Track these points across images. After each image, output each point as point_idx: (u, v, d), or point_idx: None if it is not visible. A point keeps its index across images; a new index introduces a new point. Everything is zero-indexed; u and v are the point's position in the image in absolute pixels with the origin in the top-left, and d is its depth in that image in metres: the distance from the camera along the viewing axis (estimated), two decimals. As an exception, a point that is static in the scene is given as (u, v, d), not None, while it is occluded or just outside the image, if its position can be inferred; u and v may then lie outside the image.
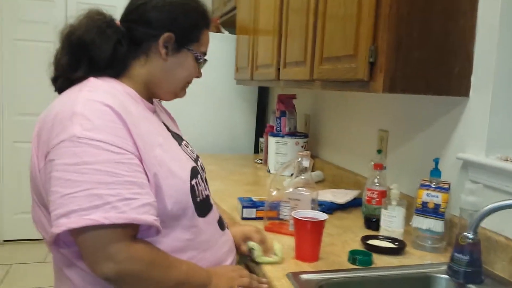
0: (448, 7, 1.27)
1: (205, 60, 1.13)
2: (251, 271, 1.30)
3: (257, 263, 1.20)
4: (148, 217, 0.88)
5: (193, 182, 1.02)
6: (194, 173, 1.05)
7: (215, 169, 2.46)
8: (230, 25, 3.14)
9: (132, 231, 0.90)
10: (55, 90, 1.03)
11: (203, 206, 1.06)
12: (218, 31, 3.18)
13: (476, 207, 1.11)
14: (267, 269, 1.17)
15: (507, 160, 1.22)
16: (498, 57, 1.24)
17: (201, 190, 1.06)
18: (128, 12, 1.06)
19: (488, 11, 1.26)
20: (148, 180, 0.92)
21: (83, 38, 0.99)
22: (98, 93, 0.94)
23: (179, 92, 1.13)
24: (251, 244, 1.21)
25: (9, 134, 3.55)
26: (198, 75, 1.14)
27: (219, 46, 3.05)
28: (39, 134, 0.93)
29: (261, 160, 2.74)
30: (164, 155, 0.98)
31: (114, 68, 1.03)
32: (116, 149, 0.87)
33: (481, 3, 1.28)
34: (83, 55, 0.99)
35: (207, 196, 1.10)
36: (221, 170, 2.44)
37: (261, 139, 2.83)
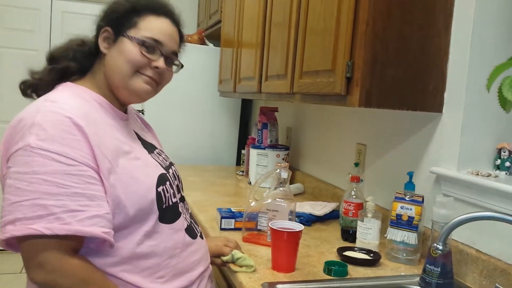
0: (423, 25, 1.31)
1: (156, 47, 1.07)
2: (227, 281, 1.31)
3: (235, 271, 1.23)
4: (94, 229, 0.88)
5: (160, 189, 1.04)
6: (162, 180, 1.06)
7: (197, 180, 2.46)
8: (214, 38, 3.18)
9: (76, 244, 0.91)
10: (22, 94, 1.09)
11: (169, 213, 1.07)
12: (203, 43, 3.21)
13: (447, 219, 1.14)
14: (243, 279, 1.18)
15: (478, 175, 1.25)
16: (469, 74, 1.28)
17: (168, 197, 1.07)
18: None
19: (461, 31, 1.31)
20: (105, 190, 0.93)
21: (52, 52, 1.11)
22: (61, 103, 0.96)
23: (129, 82, 1.05)
24: (235, 254, 1.25)
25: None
26: (155, 64, 1.06)
27: (203, 58, 3.08)
28: (5, 142, 0.95)
29: (242, 171, 2.75)
30: (128, 163, 1.00)
31: (77, 65, 1.09)
32: (67, 160, 0.89)
33: (454, 23, 1.33)
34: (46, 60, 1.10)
35: (175, 203, 1.11)
36: (202, 182, 2.44)
37: (243, 151, 2.85)
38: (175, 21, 1.13)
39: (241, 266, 1.24)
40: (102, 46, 1.07)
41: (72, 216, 0.87)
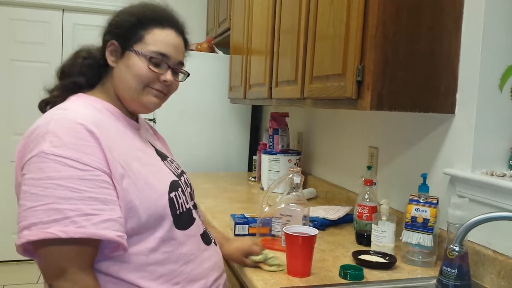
0: (433, 27, 1.31)
1: (162, 60, 1.08)
2: (242, 285, 1.32)
3: (268, 270, 1.27)
4: (109, 232, 0.90)
5: (172, 195, 1.05)
6: (174, 186, 1.07)
7: (209, 187, 2.47)
8: (224, 45, 3.20)
9: (93, 251, 0.93)
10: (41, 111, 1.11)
11: (183, 219, 1.08)
12: (212, 51, 3.24)
13: (462, 220, 1.13)
14: (258, 284, 1.18)
15: (492, 175, 1.25)
16: (482, 75, 1.28)
17: (181, 203, 1.08)
18: None
19: (472, 31, 1.31)
20: (117, 195, 0.94)
21: (62, 67, 1.13)
22: (74, 111, 0.98)
23: (140, 97, 1.08)
24: (267, 253, 1.29)
25: (5, 153, 3.58)
26: (163, 78, 1.09)
27: (213, 66, 3.10)
28: (20, 150, 0.97)
29: (254, 177, 2.76)
30: (142, 168, 1.01)
31: (87, 79, 1.12)
32: (81, 165, 0.90)
33: (465, 23, 1.33)
34: (57, 74, 1.13)
35: (189, 210, 1.12)
36: (215, 188, 2.45)
37: (254, 157, 2.86)
38: (180, 31, 1.14)
39: (270, 266, 1.27)
40: (110, 59, 1.09)
41: (87, 220, 0.88)
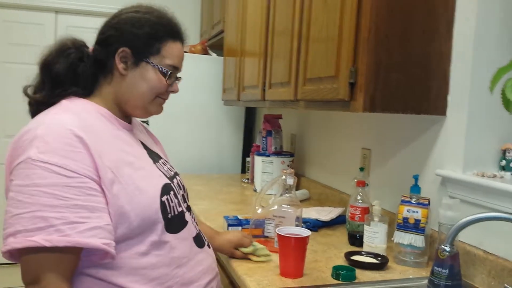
0: (426, 30, 1.33)
1: (174, 74, 1.12)
2: (234, 286, 1.32)
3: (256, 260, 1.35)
4: (94, 240, 0.89)
5: (164, 198, 1.04)
6: (166, 190, 1.07)
7: (203, 189, 2.47)
8: (217, 47, 3.21)
9: (75, 259, 0.91)
10: (30, 115, 1.07)
11: (175, 223, 1.07)
12: (206, 53, 3.24)
13: (453, 221, 1.14)
14: (251, 285, 1.19)
15: (483, 176, 1.26)
16: (473, 77, 1.29)
17: (173, 207, 1.07)
18: (96, 36, 1.12)
19: (463, 33, 1.32)
20: (107, 201, 0.93)
21: (44, 59, 1.07)
22: (63, 116, 0.97)
23: (149, 106, 1.12)
24: (256, 245, 1.36)
25: (-5, 155, 3.55)
26: (171, 89, 1.14)
27: (207, 68, 3.10)
28: (9, 155, 0.96)
29: (247, 179, 2.76)
30: (133, 173, 1.00)
31: (81, 86, 1.08)
32: (68, 172, 0.89)
33: (457, 25, 1.34)
34: (46, 75, 1.07)
35: (181, 213, 1.11)
36: (209, 190, 2.45)
37: (247, 159, 2.86)
38: (184, 42, 1.17)
39: (259, 256, 1.34)
40: (120, 66, 1.07)
41: (72, 228, 0.87)
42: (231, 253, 1.36)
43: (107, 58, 1.09)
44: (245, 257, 1.36)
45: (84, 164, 0.91)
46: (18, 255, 0.90)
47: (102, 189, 0.93)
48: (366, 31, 1.26)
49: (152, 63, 1.08)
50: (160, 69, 1.09)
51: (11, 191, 0.90)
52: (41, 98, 1.06)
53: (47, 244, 0.85)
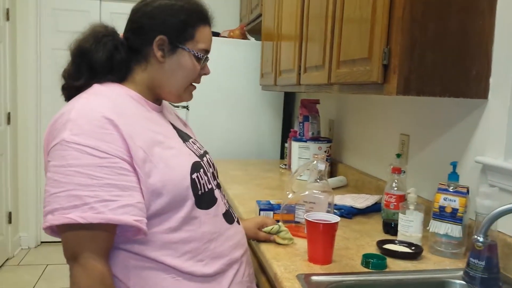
0: (465, 6, 1.24)
1: (207, 58, 1.15)
2: (263, 270, 1.31)
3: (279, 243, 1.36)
4: (126, 217, 0.92)
5: (194, 176, 1.06)
6: (196, 167, 1.08)
7: (240, 174, 2.48)
8: (256, 32, 3.18)
9: (109, 237, 0.96)
10: (65, 99, 1.10)
11: (205, 199, 1.09)
12: (245, 38, 3.22)
13: (491, 211, 1.08)
14: (278, 269, 1.18)
15: (527, 164, 1.18)
16: (517, 57, 1.21)
17: (203, 184, 1.09)
18: (127, 24, 1.14)
19: (508, 10, 1.23)
20: (139, 180, 0.96)
21: (82, 47, 1.08)
22: (95, 99, 1.01)
23: (183, 93, 1.16)
24: (279, 224, 1.39)
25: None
26: (205, 72, 1.17)
27: (245, 52, 3.09)
28: (46, 138, 1.01)
29: (285, 165, 2.74)
30: (163, 152, 1.02)
31: (116, 74, 1.10)
32: (100, 153, 0.93)
33: (500, 2, 1.25)
34: (83, 62, 1.08)
35: (211, 190, 1.13)
36: (245, 175, 2.46)
37: (286, 144, 2.84)
38: (211, 25, 1.18)
39: (283, 239, 1.36)
40: (158, 54, 1.09)
41: (105, 206, 0.91)
42: (255, 233, 1.38)
43: (142, 46, 1.10)
44: (269, 238, 1.37)
45: (115, 145, 0.95)
46: (58, 232, 0.96)
47: (135, 168, 0.96)
48: (400, 9, 1.20)
49: (188, 48, 1.11)
50: (195, 54, 1.12)
51: (48, 171, 0.95)
52: (78, 85, 1.08)
53: (82, 221, 0.90)
